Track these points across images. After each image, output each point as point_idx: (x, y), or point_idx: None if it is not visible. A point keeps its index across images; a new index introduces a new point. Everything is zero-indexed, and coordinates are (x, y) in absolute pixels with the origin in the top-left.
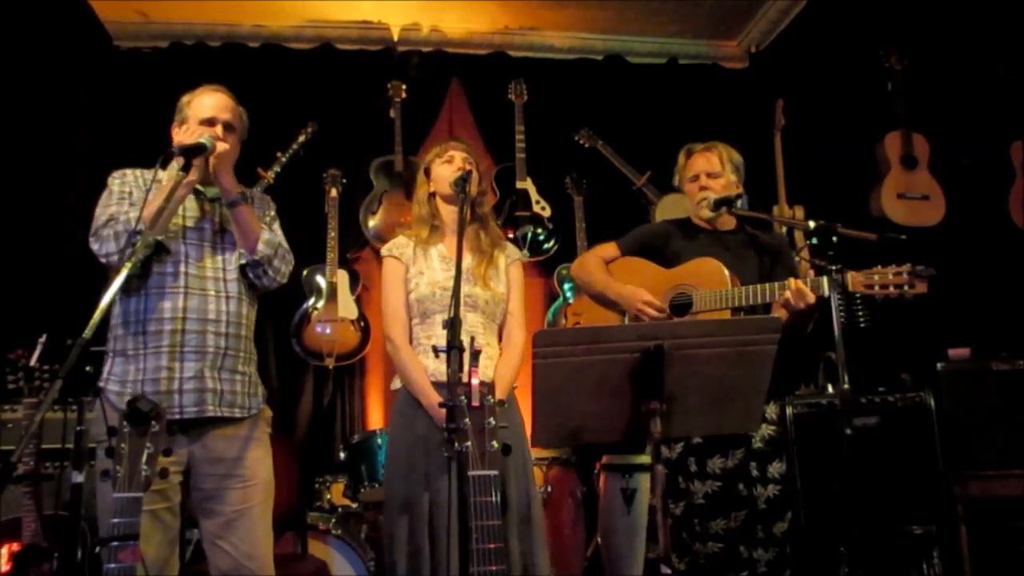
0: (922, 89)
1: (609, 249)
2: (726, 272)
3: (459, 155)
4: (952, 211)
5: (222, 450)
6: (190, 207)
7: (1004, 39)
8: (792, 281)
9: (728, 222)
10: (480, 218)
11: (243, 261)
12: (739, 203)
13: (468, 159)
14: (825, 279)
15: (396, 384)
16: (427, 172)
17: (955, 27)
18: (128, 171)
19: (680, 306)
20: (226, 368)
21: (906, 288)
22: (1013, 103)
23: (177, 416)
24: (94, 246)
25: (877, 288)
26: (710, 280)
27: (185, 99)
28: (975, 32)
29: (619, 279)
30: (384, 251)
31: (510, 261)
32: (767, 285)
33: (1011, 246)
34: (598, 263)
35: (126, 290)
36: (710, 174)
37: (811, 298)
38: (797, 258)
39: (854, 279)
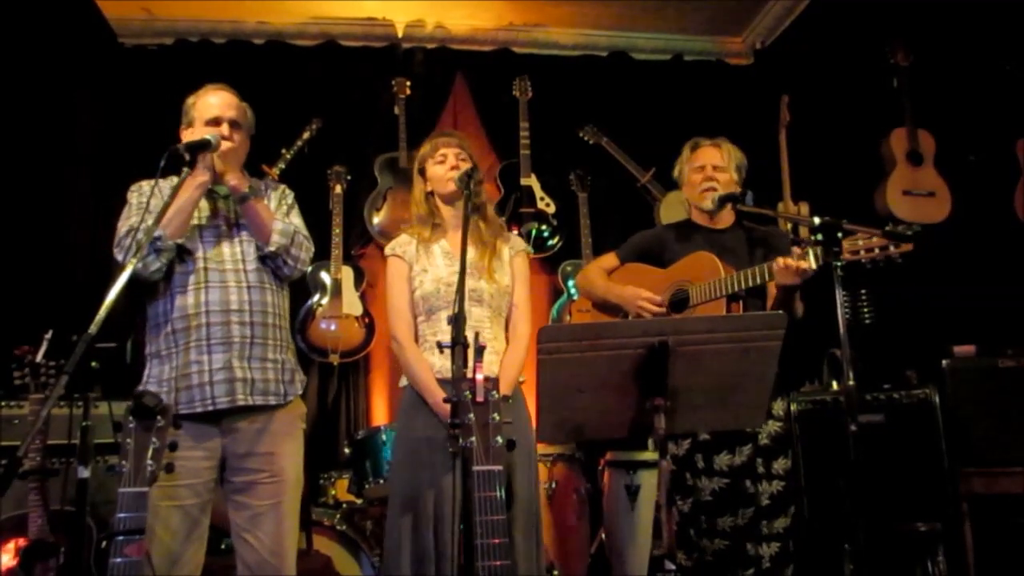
0: (928, 85)
1: (609, 259)
2: (719, 262)
3: (451, 152)
4: (958, 208)
5: (255, 445)
6: (203, 205)
7: (1010, 35)
8: (780, 260)
9: (725, 219)
10: (479, 209)
11: (261, 253)
12: (746, 199)
13: (460, 154)
14: (811, 250)
15: (404, 381)
16: (422, 172)
17: (961, 23)
18: (144, 183)
19: (679, 302)
20: (255, 357)
21: (891, 248)
22: (1019, 99)
23: (210, 407)
24: (118, 256)
25: (863, 253)
26: (705, 273)
27: (190, 100)
28: (981, 28)
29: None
30: (387, 250)
31: (514, 252)
32: (756, 267)
33: (1017, 243)
34: (599, 272)
35: (152, 294)
36: (716, 167)
37: (804, 265)
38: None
39: None
